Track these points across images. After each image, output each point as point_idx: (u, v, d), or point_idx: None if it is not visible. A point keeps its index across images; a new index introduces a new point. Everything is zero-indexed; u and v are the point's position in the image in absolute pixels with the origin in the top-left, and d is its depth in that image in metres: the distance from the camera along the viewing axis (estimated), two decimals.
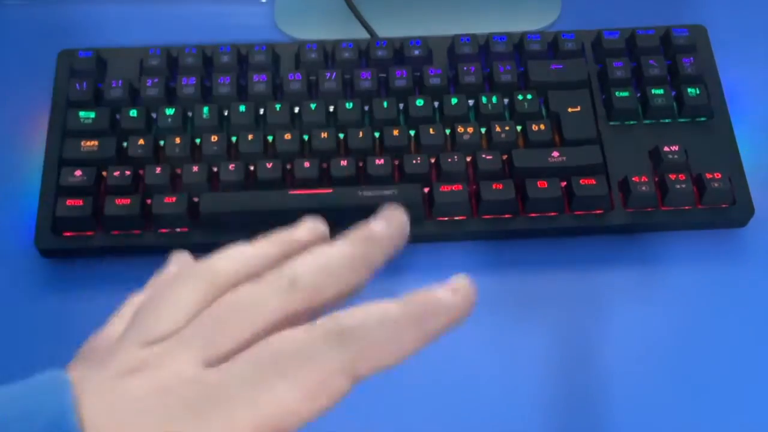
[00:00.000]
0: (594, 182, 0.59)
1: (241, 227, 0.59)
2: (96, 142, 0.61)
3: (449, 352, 0.57)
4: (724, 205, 0.60)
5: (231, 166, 0.59)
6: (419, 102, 0.62)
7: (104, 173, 0.60)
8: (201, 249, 0.59)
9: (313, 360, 0.33)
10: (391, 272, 0.60)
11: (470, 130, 0.61)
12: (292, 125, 0.62)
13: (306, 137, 0.61)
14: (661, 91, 0.62)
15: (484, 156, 0.60)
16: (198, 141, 0.61)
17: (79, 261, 0.60)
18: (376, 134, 0.61)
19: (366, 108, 0.63)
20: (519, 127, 0.62)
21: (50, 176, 0.60)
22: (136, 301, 0.40)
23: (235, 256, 0.38)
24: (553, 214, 0.59)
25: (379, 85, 0.64)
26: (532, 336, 0.57)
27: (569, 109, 0.62)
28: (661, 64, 0.64)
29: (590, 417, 0.55)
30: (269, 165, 0.59)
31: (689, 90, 0.62)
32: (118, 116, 0.62)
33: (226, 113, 0.63)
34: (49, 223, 0.59)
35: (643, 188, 0.59)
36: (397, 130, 0.61)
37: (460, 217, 0.59)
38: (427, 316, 0.36)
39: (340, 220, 0.59)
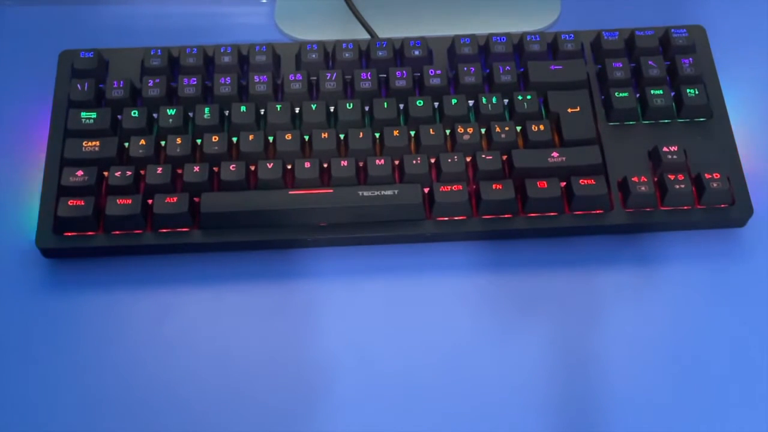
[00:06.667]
0: (593, 182, 0.59)
1: (242, 227, 0.59)
2: (97, 142, 0.61)
3: (450, 352, 0.57)
4: (723, 205, 0.60)
5: (232, 166, 0.59)
6: (419, 102, 0.62)
7: (105, 173, 0.60)
8: (201, 249, 0.60)
9: None
10: (392, 272, 0.60)
11: (470, 130, 0.61)
12: (293, 125, 0.62)
13: (306, 137, 0.61)
14: (660, 92, 0.62)
15: (483, 156, 0.60)
16: (199, 141, 0.62)
17: (80, 261, 0.60)
18: (377, 135, 0.61)
19: (366, 108, 0.63)
20: (519, 128, 0.62)
21: (52, 176, 0.60)
22: None
23: None
24: (552, 214, 0.60)
25: (380, 85, 0.64)
26: (532, 335, 0.58)
27: (569, 110, 0.62)
28: (660, 65, 0.64)
29: (590, 416, 0.55)
30: (270, 165, 0.60)
31: (688, 90, 0.62)
32: (119, 116, 0.62)
33: (227, 113, 0.63)
34: (50, 223, 0.59)
35: (643, 188, 0.59)
36: (397, 131, 0.61)
37: (460, 217, 0.60)
38: None
39: (340, 220, 0.60)
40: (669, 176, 0.59)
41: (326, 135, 0.61)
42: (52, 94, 0.64)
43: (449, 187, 0.59)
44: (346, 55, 0.65)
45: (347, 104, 0.62)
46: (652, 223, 0.60)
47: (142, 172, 0.60)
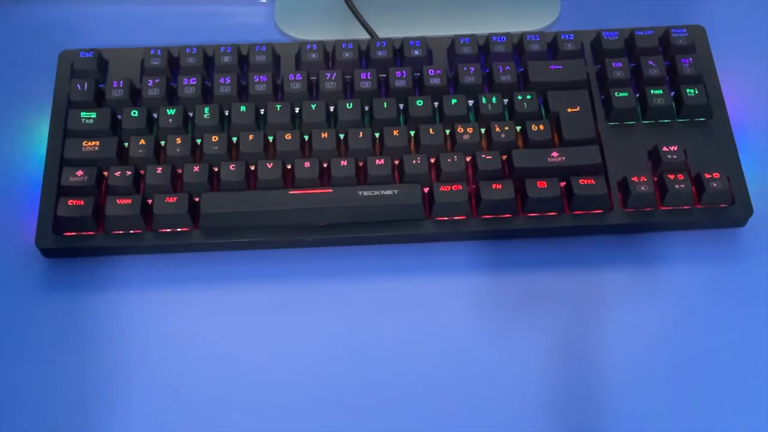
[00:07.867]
0: (593, 182, 0.59)
1: (242, 227, 0.59)
2: (97, 143, 0.61)
3: (450, 352, 0.57)
4: (723, 205, 0.60)
5: (232, 166, 0.59)
6: (419, 102, 0.62)
7: (105, 173, 0.60)
8: (201, 249, 0.60)
9: None
10: (392, 272, 0.60)
11: (470, 130, 0.61)
12: (293, 125, 0.62)
13: (306, 137, 0.61)
14: (660, 92, 0.62)
15: (483, 156, 0.60)
16: (199, 141, 0.62)
17: (79, 261, 0.60)
18: (376, 134, 0.61)
19: (366, 108, 0.63)
20: (518, 128, 0.62)
21: (51, 176, 0.60)
22: None
23: None
24: (552, 214, 0.60)
25: (379, 85, 0.64)
26: (532, 336, 0.58)
27: (569, 110, 0.62)
28: (660, 65, 0.64)
29: (590, 416, 0.55)
30: (270, 165, 0.60)
31: (688, 90, 0.62)
32: (119, 116, 0.62)
33: (226, 113, 0.63)
34: (50, 223, 0.59)
35: (642, 188, 0.59)
36: (397, 131, 0.61)
37: (460, 217, 0.60)
38: None
39: (340, 220, 0.60)
40: (669, 176, 0.59)
41: (326, 135, 0.61)
42: (52, 94, 0.64)
43: (449, 187, 0.59)
44: (346, 55, 0.65)
45: (347, 104, 0.62)
46: (652, 223, 0.60)
47: (141, 172, 0.60)
